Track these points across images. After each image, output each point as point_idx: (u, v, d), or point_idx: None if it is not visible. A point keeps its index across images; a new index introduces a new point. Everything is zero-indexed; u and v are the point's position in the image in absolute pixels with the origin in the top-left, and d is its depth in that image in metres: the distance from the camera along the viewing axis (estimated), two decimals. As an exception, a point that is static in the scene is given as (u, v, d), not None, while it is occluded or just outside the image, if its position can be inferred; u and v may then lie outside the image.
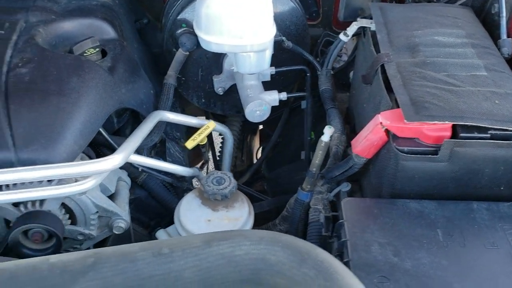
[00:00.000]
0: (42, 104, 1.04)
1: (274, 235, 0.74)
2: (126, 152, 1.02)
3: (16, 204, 1.02)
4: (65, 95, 1.07)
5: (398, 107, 1.02)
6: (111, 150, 1.18)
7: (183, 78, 1.51)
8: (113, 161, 0.97)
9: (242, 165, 2.15)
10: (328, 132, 1.17)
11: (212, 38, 1.21)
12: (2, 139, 0.96)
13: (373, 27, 1.30)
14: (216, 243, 0.73)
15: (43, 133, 0.99)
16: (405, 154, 0.98)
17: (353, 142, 1.07)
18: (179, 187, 1.36)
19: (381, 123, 1.00)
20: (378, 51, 1.20)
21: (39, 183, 0.98)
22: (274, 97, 1.35)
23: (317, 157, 1.18)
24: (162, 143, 1.46)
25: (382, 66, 1.14)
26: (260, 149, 2.24)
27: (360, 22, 1.35)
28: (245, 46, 1.21)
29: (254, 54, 1.25)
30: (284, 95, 1.39)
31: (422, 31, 1.22)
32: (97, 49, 1.28)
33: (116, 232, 1.13)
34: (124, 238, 1.17)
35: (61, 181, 1.00)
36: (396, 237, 0.92)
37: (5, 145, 0.96)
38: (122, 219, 1.12)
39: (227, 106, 1.61)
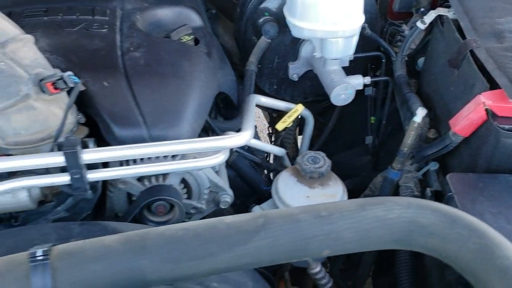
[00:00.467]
0: (162, 86, 1.10)
1: (421, 201, 0.80)
2: (251, 131, 1.08)
3: (139, 179, 1.08)
4: (181, 77, 1.13)
5: (493, 89, 1.09)
6: (210, 132, 1.24)
7: (259, 65, 1.57)
8: (243, 137, 1.04)
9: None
10: (420, 114, 1.23)
11: (306, 25, 1.28)
12: (134, 117, 1.03)
13: (451, 15, 1.36)
14: (370, 207, 0.79)
15: (168, 112, 1.06)
16: (506, 132, 1.05)
17: (451, 121, 1.14)
18: (266, 167, 1.43)
19: (483, 102, 1.06)
20: (462, 37, 1.26)
21: (164, 158, 1.05)
22: (359, 81, 1.42)
23: (409, 138, 1.25)
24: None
25: (471, 52, 1.20)
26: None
27: (438, 11, 1.41)
28: (337, 32, 1.28)
29: (342, 40, 1.32)
30: (368, 79, 1.45)
31: (504, 19, 1.29)
32: (192, 36, 1.34)
33: (223, 207, 1.20)
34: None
35: (184, 156, 1.06)
36: (505, 207, 0.99)
37: (137, 123, 1.02)
38: (228, 194, 1.19)
39: (296, 93, 1.68)
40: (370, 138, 1.75)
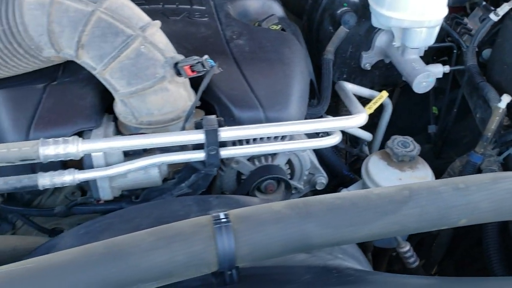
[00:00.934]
0: (271, 71, 1.16)
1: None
2: (365, 113, 1.14)
3: (249, 159, 1.14)
4: (286, 64, 1.19)
5: None
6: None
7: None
8: (359, 119, 1.10)
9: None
10: (505, 100, 1.29)
11: (394, 14, 1.34)
12: (251, 100, 1.09)
13: (525, 7, 1.42)
14: (501, 181, 0.86)
15: (280, 96, 1.12)
16: None
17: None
18: (349, 153, 1.49)
19: None
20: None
21: (275, 139, 1.11)
22: (439, 69, 1.48)
23: (493, 123, 1.31)
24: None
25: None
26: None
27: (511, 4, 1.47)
28: (423, 21, 1.34)
29: (426, 30, 1.38)
30: (447, 68, 1.51)
31: None
32: (279, 26, 1.40)
33: (318, 188, 1.26)
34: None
35: (292, 137, 1.12)
36: None
37: (255, 105, 1.08)
38: (324, 176, 1.25)
39: (365, 82, 1.73)
40: (433, 127, 1.81)
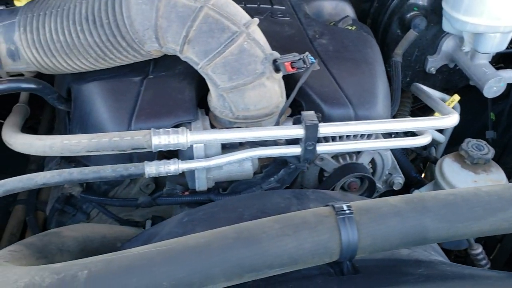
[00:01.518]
0: (357, 70, 1.18)
1: None
2: (457, 114, 1.15)
3: (333, 157, 1.17)
4: (370, 63, 1.21)
5: None
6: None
7: (398, 57, 1.65)
8: (452, 119, 1.11)
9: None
10: None
11: (470, 19, 1.35)
12: (341, 98, 1.11)
13: None
14: None
15: (368, 94, 1.14)
16: None
17: None
18: (419, 154, 1.50)
19: None
20: None
21: (361, 137, 1.13)
22: (510, 74, 1.49)
23: None
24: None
25: None
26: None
27: None
28: (499, 27, 1.35)
29: (499, 35, 1.39)
30: (519, 73, 1.52)
31: None
32: (354, 27, 1.42)
33: (395, 188, 1.27)
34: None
35: (377, 137, 1.14)
36: None
37: (345, 103, 1.11)
38: (401, 176, 1.27)
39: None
40: (492, 133, 1.82)
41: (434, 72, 1.66)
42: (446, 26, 1.48)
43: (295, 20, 1.30)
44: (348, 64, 1.19)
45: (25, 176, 0.93)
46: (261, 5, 1.33)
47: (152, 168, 0.96)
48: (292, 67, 1.00)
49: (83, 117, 1.11)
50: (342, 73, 1.16)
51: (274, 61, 1.01)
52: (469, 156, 1.30)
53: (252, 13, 1.28)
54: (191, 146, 0.99)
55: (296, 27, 1.28)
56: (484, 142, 1.35)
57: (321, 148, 1.02)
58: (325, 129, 0.99)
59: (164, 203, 1.17)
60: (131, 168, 0.95)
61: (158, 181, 1.24)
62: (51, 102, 1.19)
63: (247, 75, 1.01)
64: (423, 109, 1.97)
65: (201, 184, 1.05)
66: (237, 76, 1.00)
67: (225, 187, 1.12)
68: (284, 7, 1.35)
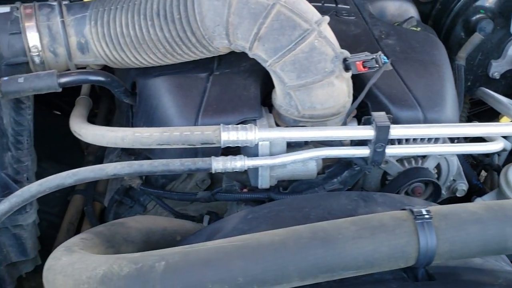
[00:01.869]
0: (425, 71, 1.15)
1: None
2: None
3: (398, 160, 1.14)
4: (438, 65, 1.18)
5: None
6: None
7: (457, 62, 1.60)
8: None
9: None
10: None
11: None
12: (410, 100, 1.08)
13: None
14: None
15: (437, 96, 1.11)
16: None
17: None
18: (480, 162, 1.45)
19: None
20: None
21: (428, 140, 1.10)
22: None
23: None
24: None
25: None
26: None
27: None
28: None
29: None
30: None
31: None
32: (419, 28, 1.39)
33: (459, 195, 1.23)
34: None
35: (437, 140, 1.11)
36: None
37: (414, 105, 1.08)
38: (465, 183, 1.23)
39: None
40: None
41: (497, 77, 1.60)
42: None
43: (360, 20, 1.28)
44: (416, 65, 1.16)
45: (96, 166, 0.95)
46: (325, 4, 1.32)
47: (219, 164, 0.96)
48: (364, 67, 0.98)
49: (149, 111, 1.12)
50: (410, 75, 1.14)
51: (345, 59, 1.00)
52: (537, 165, 1.25)
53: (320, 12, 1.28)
54: (257, 143, 0.99)
55: (362, 26, 1.26)
56: (553, 150, 1.29)
57: (391, 150, 1.00)
58: (396, 131, 0.97)
59: (223, 199, 1.17)
60: (199, 163, 0.96)
61: (214, 177, 1.24)
62: (117, 95, 1.21)
63: (316, 73, 0.99)
64: (479, 115, 1.92)
65: (264, 182, 1.04)
66: (305, 74, 0.99)
67: (286, 186, 1.11)
68: (348, 6, 1.33)
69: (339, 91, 1.03)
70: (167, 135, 0.93)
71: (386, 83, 1.11)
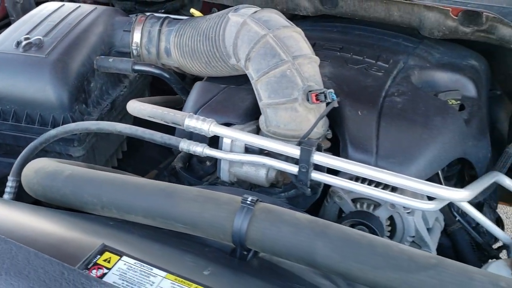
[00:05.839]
0: (408, 130, 1.20)
1: None
2: (473, 192, 1.08)
3: (353, 201, 1.20)
4: (428, 128, 1.21)
5: None
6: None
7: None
8: (460, 194, 1.05)
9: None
10: None
11: None
12: (369, 145, 1.16)
13: None
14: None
15: (403, 153, 1.15)
16: None
17: None
18: (486, 250, 1.35)
19: None
20: None
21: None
22: None
23: None
24: (481, 206, 1.47)
25: None
26: None
27: None
28: None
29: None
30: None
31: None
32: (458, 102, 1.39)
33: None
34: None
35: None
36: None
37: (370, 150, 1.15)
38: (429, 251, 1.19)
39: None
40: None
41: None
42: None
43: (385, 77, 1.37)
44: (404, 122, 1.21)
45: (111, 122, 1.30)
46: (366, 59, 1.44)
47: (185, 145, 1.21)
48: (317, 99, 1.12)
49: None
50: (390, 127, 1.20)
51: (308, 91, 1.15)
52: (523, 266, 1.13)
53: (350, 61, 1.43)
54: (222, 141, 1.21)
55: (381, 82, 1.35)
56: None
57: (316, 175, 1.10)
58: (318, 157, 1.08)
59: None
60: (172, 140, 1.22)
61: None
62: (176, 90, 1.56)
63: (283, 96, 1.17)
64: None
65: (223, 174, 1.24)
66: (274, 95, 1.18)
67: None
68: (387, 65, 1.42)
69: (302, 118, 1.18)
70: (154, 111, 1.23)
71: (357, 127, 1.20)
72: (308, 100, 1.15)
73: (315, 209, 1.26)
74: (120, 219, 0.94)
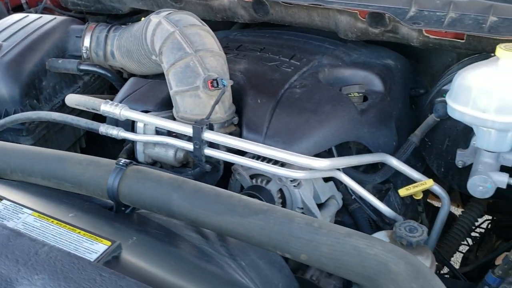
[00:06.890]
0: (298, 116, 1.35)
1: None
2: (334, 163, 1.22)
3: (251, 177, 1.35)
4: (316, 114, 1.36)
5: None
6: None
7: (429, 143, 1.62)
8: (319, 162, 1.20)
9: (473, 260, 2.04)
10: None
11: (457, 106, 1.31)
12: (261, 127, 1.31)
13: None
14: (354, 237, 0.87)
15: (288, 133, 1.30)
16: None
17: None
18: (381, 228, 1.47)
19: None
20: None
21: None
22: (503, 179, 1.33)
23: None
24: (387, 190, 1.60)
25: None
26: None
27: None
28: (486, 120, 1.27)
29: (495, 132, 1.29)
30: (513, 181, 1.34)
31: None
32: (361, 95, 1.54)
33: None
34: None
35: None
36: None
37: (260, 131, 1.31)
38: (319, 222, 1.33)
39: (464, 183, 1.63)
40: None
41: (460, 166, 1.54)
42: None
43: (293, 73, 1.52)
44: (296, 109, 1.37)
45: (44, 112, 1.48)
46: (281, 58, 1.60)
47: (104, 128, 1.38)
48: (211, 86, 1.28)
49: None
50: (283, 113, 1.35)
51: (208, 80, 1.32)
52: (394, 232, 1.25)
53: (264, 59, 1.59)
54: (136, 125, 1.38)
55: (287, 77, 1.50)
56: (425, 228, 1.26)
57: (208, 151, 1.26)
58: (208, 134, 1.24)
59: None
60: (93, 124, 1.39)
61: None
62: (117, 87, 1.75)
63: (187, 85, 1.34)
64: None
65: (139, 156, 1.41)
66: (180, 84, 1.35)
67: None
68: (298, 63, 1.58)
69: (205, 104, 1.34)
70: (79, 99, 1.41)
71: (255, 112, 1.36)
72: (207, 87, 1.32)
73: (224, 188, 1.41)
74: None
